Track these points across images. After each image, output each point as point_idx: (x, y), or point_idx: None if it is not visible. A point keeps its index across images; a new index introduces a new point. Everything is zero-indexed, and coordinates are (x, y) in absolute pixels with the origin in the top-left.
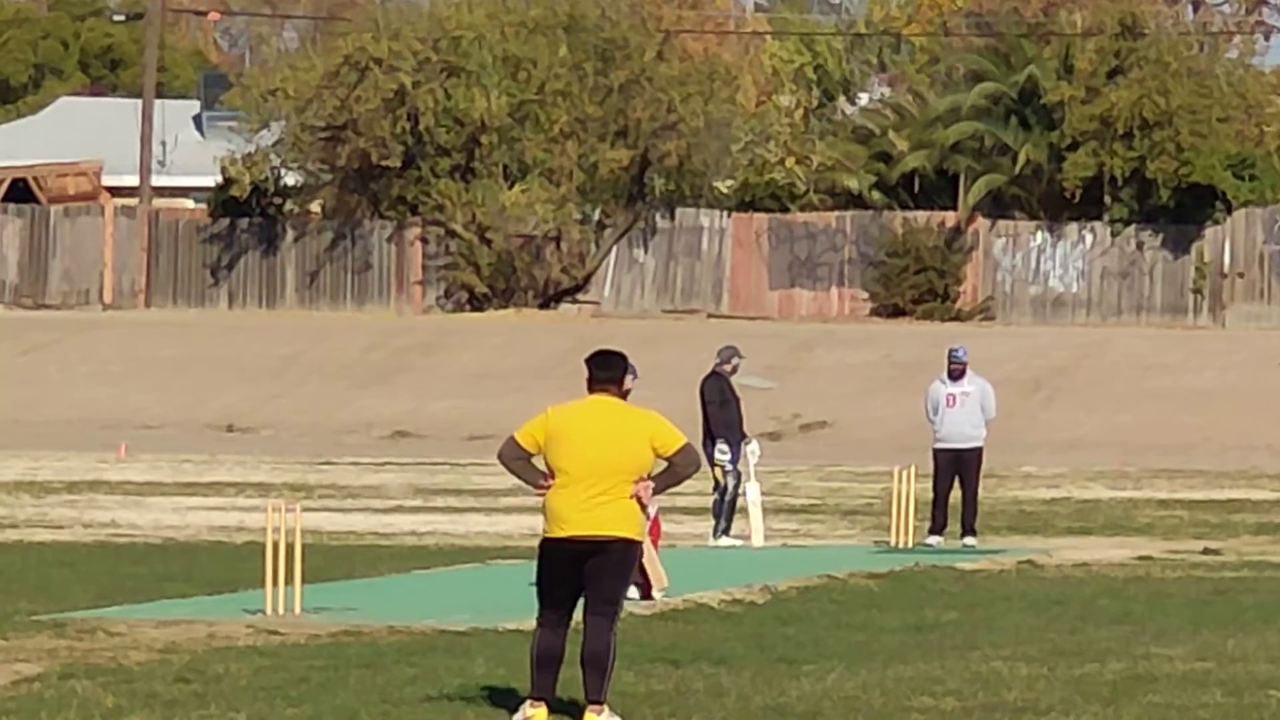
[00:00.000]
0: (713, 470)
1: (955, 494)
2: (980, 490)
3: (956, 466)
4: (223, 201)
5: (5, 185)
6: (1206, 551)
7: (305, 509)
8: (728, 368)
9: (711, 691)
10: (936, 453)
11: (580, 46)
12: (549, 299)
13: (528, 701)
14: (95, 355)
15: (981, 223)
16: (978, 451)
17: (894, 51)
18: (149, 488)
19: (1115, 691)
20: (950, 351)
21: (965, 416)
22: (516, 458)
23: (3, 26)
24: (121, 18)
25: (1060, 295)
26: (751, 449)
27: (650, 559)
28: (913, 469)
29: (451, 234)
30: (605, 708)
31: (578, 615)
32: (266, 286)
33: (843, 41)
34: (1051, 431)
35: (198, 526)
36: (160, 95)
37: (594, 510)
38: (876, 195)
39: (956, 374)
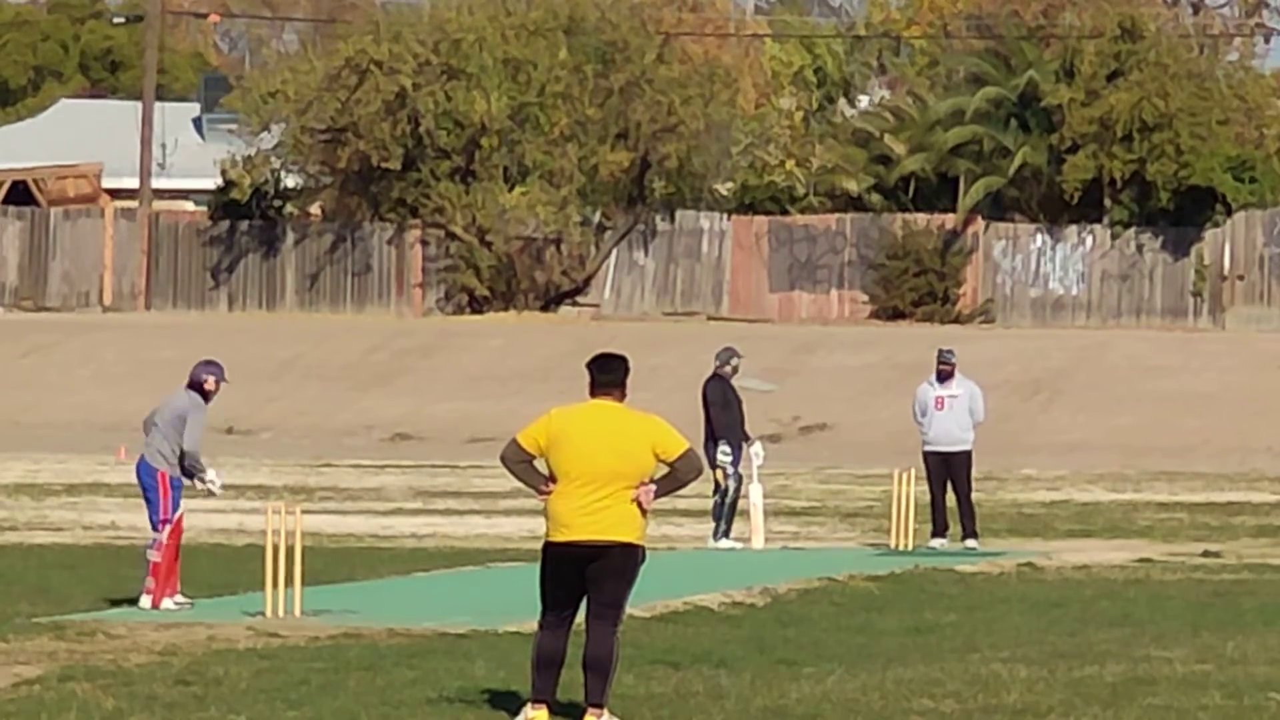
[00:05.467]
0: (714, 472)
1: (950, 496)
2: (978, 492)
3: (946, 469)
4: (223, 204)
5: (5, 187)
6: (1206, 554)
7: (305, 511)
8: (728, 369)
9: (711, 694)
10: (925, 455)
11: (580, 49)
12: (549, 301)
13: (529, 704)
14: (95, 357)
15: (981, 225)
16: (966, 454)
17: (894, 54)
18: None
19: (1115, 694)
20: (940, 352)
21: (954, 419)
22: (519, 461)
23: (2, 29)
24: (121, 20)
25: (1060, 298)
26: (755, 450)
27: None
28: (912, 471)
29: (452, 236)
30: (605, 711)
31: (580, 618)
32: (266, 289)
33: (842, 44)
34: (1051, 434)
35: (197, 529)
36: (160, 98)
37: (596, 515)
38: (876, 198)
39: (945, 375)
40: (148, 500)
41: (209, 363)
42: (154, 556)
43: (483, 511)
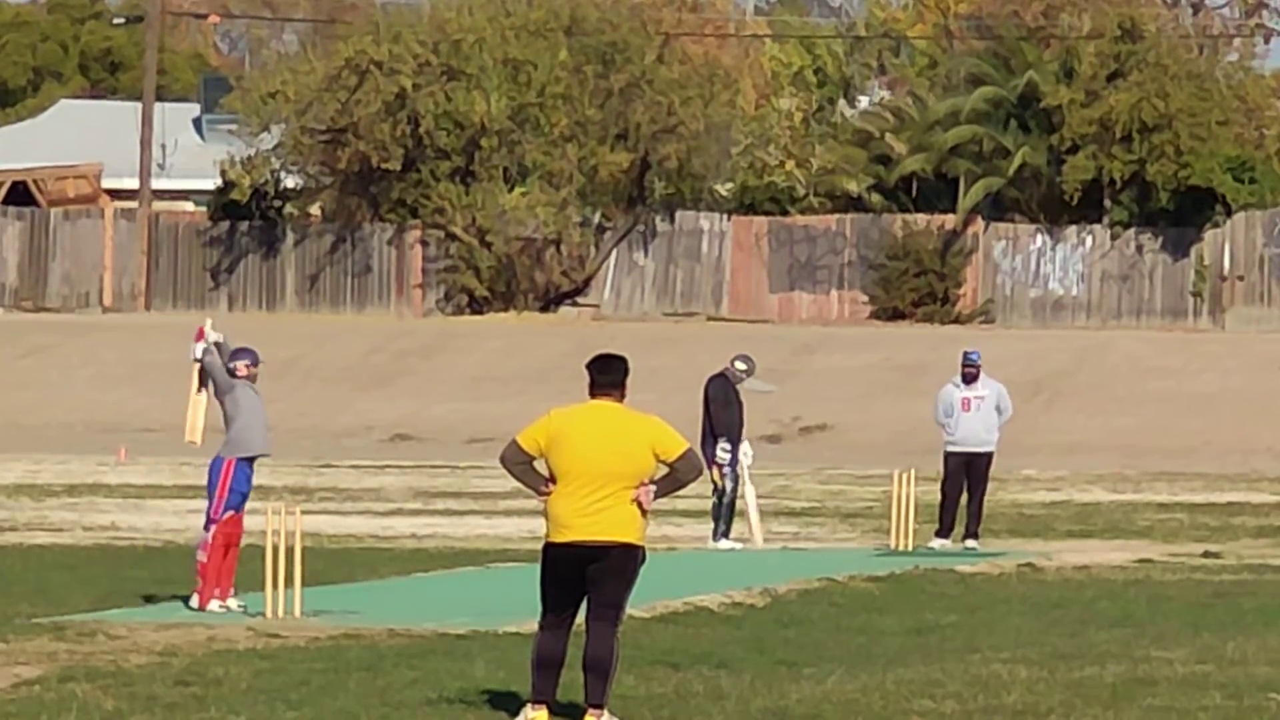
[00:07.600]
0: (710, 472)
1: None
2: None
3: (968, 470)
4: (223, 204)
5: (5, 188)
6: (1206, 554)
7: (305, 512)
8: (730, 369)
9: (711, 694)
10: (948, 456)
11: (580, 50)
12: (549, 302)
13: (529, 704)
14: (95, 358)
15: (981, 226)
16: (989, 456)
17: (894, 55)
18: (149, 491)
19: (1115, 694)
20: (965, 354)
21: (981, 420)
22: (519, 462)
23: (2, 29)
24: (121, 21)
25: (1060, 298)
26: (744, 450)
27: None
28: (913, 472)
29: (452, 237)
30: (605, 711)
31: (580, 618)
32: (266, 289)
33: (842, 44)
34: (1052, 435)
35: (198, 530)
36: (160, 98)
37: (595, 515)
38: (876, 198)
39: (970, 377)
40: (209, 497)
41: (241, 350)
42: (201, 556)
43: (483, 512)
